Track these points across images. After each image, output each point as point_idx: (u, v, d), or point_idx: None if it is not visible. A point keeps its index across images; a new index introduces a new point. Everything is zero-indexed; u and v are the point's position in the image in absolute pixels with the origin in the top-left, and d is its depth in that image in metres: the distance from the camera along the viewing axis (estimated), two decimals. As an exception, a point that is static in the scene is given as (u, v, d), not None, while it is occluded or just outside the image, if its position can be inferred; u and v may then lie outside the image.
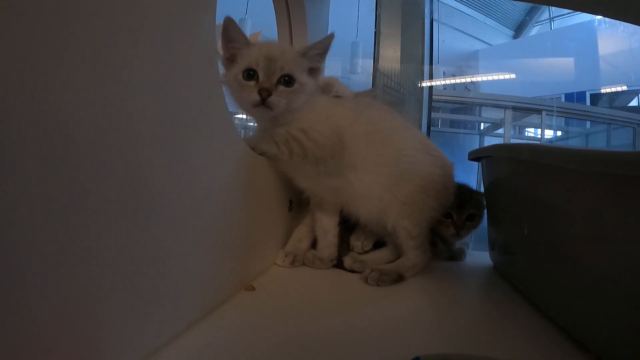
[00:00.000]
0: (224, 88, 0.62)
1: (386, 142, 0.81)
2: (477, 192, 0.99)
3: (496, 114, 4.98)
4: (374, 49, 1.87)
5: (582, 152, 0.44)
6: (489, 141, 5.16)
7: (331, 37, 0.79)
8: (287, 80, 0.74)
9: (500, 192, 0.84)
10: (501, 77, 5.07)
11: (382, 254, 0.87)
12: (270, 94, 0.72)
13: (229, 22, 0.75)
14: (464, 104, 5.18)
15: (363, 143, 0.79)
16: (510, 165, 0.73)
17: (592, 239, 0.47)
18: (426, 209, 0.82)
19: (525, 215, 0.68)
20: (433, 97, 2.27)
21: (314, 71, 0.80)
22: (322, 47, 0.79)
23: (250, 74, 0.73)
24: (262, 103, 0.72)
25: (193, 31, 0.49)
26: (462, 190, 0.95)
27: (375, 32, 1.86)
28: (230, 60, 0.77)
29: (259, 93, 0.72)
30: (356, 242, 0.89)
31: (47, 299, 0.30)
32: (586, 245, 0.49)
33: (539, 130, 4.80)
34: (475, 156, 0.93)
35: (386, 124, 0.85)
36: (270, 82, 0.73)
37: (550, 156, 0.52)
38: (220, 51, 0.76)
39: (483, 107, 5.20)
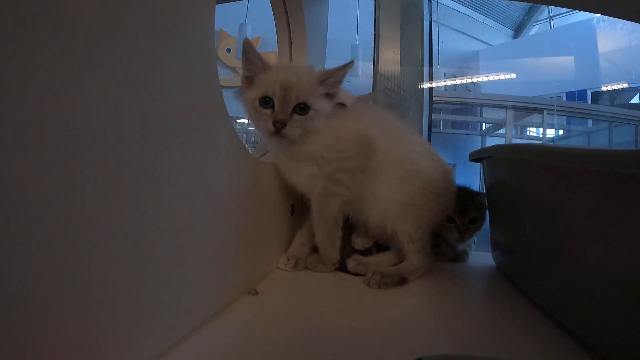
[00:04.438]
0: (224, 92, 0.62)
1: (393, 145, 0.83)
2: (477, 194, 0.99)
3: (497, 114, 4.97)
4: (374, 52, 1.87)
5: (580, 152, 0.44)
6: (491, 141, 5.17)
7: (350, 64, 0.79)
8: (302, 108, 0.75)
9: (502, 193, 0.84)
10: (502, 77, 5.06)
11: (386, 257, 0.87)
12: (284, 126, 0.73)
13: (247, 45, 0.76)
14: (465, 105, 5.18)
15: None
16: (511, 165, 0.73)
17: (593, 238, 0.47)
18: (427, 212, 0.82)
19: (527, 216, 0.68)
20: (434, 98, 2.26)
21: (329, 95, 0.80)
22: (341, 75, 0.79)
23: (266, 100, 0.74)
24: (277, 133, 0.73)
25: (192, 36, 0.49)
26: (463, 194, 0.96)
27: (374, 35, 1.87)
28: (249, 80, 0.78)
29: (274, 124, 0.73)
30: (356, 239, 0.90)
31: (50, 302, 0.31)
32: (588, 245, 0.49)
33: (541, 130, 4.80)
34: (475, 157, 0.93)
35: (392, 128, 0.87)
36: (285, 112, 0.73)
37: (549, 156, 0.53)
38: (221, 56, 0.77)
39: (484, 108, 5.20)
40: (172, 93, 0.45)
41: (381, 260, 0.86)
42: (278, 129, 0.73)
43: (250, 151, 0.76)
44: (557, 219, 0.56)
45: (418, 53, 1.96)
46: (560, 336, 0.55)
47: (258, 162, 0.75)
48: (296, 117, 0.74)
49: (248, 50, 0.76)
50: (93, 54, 0.33)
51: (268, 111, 0.74)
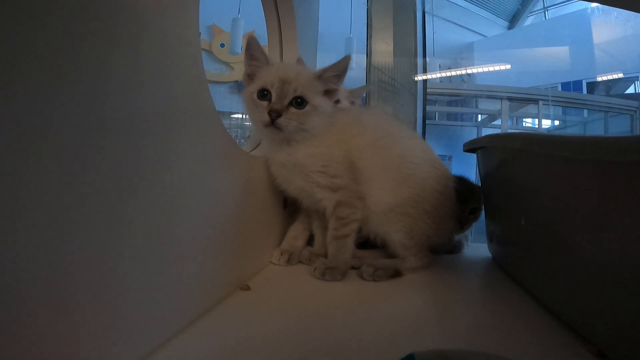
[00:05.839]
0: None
1: (392, 147, 0.82)
2: (476, 186, 1.00)
3: (493, 106, 4.98)
4: (367, 44, 1.85)
5: (574, 139, 0.43)
6: (486, 133, 5.16)
7: (348, 58, 0.78)
8: (299, 102, 0.74)
9: (497, 183, 0.83)
10: (497, 68, 5.06)
11: (381, 251, 0.86)
12: (279, 115, 0.72)
13: (252, 41, 0.76)
14: (461, 96, 5.19)
15: (369, 153, 0.80)
16: (505, 155, 0.72)
17: (589, 228, 0.46)
18: (419, 224, 0.80)
19: (522, 206, 0.67)
20: (428, 90, 2.26)
21: (330, 92, 0.80)
22: (339, 70, 0.78)
23: (264, 93, 0.74)
24: (272, 123, 0.73)
25: (175, 30, 0.47)
26: (463, 185, 0.95)
27: (367, 26, 1.85)
28: (250, 77, 0.78)
29: (269, 114, 0.72)
30: None
31: (41, 302, 0.30)
32: (583, 235, 0.48)
33: (537, 120, 4.81)
34: (470, 147, 0.92)
35: (392, 130, 0.86)
36: (281, 103, 0.73)
37: (544, 145, 0.51)
38: (215, 51, 0.76)
39: (480, 99, 5.21)
40: (155, 90, 0.43)
41: (376, 254, 0.85)
42: (273, 118, 0.72)
43: (241, 145, 0.75)
44: (553, 209, 0.55)
45: (411, 44, 1.95)
46: (557, 329, 0.54)
47: (249, 156, 0.74)
48: (292, 109, 0.74)
49: (253, 47, 0.76)
50: (73, 51, 0.32)
51: (265, 103, 0.74)
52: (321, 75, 0.77)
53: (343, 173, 0.78)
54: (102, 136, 0.35)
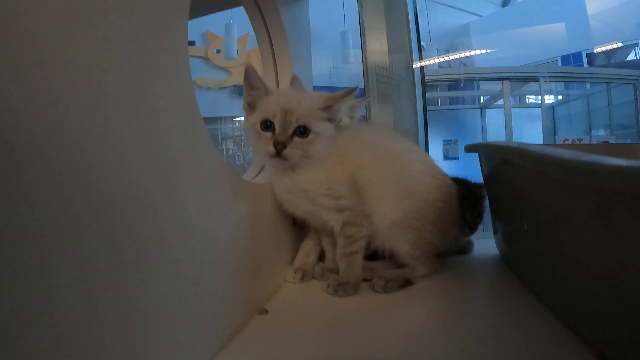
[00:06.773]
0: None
1: (393, 163, 0.84)
2: (479, 187, 1.02)
3: (494, 86, 4.94)
4: (360, 37, 1.85)
5: (571, 163, 0.43)
6: (490, 113, 5.15)
7: (355, 90, 0.80)
8: (303, 131, 0.76)
9: (497, 186, 0.85)
10: (494, 49, 5.02)
11: (390, 261, 0.88)
12: (284, 147, 0.74)
13: (250, 70, 0.77)
14: (461, 80, 5.15)
15: (371, 171, 0.81)
16: (503, 165, 0.73)
17: (584, 237, 0.48)
18: (425, 234, 0.82)
19: (522, 211, 0.69)
20: (427, 76, 2.25)
21: (331, 119, 0.81)
22: (344, 102, 0.80)
23: (267, 124, 0.76)
24: (278, 155, 0.74)
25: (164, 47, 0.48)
26: (469, 189, 0.98)
27: (359, 18, 1.85)
28: (250, 105, 0.79)
29: (274, 146, 0.74)
30: None
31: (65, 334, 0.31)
32: (580, 244, 0.49)
33: (540, 97, 4.77)
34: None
35: (391, 146, 0.88)
36: (286, 134, 0.74)
37: (539, 162, 0.51)
38: (211, 58, 0.76)
39: (481, 81, 5.17)
40: (149, 138, 0.43)
41: (387, 264, 0.87)
42: (278, 150, 0.74)
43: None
44: (551, 218, 0.56)
45: (405, 32, 1.94)
46: (565, 334, 0.55)
47: (251, 185, 0.76)
48: (297, 139, 0.75)
49: (251, 76, 0.77)
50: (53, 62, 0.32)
51: (269, 134, 0.75)
52: (329, 108, 0.78)
53: (347, 194, 0.79)
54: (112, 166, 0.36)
